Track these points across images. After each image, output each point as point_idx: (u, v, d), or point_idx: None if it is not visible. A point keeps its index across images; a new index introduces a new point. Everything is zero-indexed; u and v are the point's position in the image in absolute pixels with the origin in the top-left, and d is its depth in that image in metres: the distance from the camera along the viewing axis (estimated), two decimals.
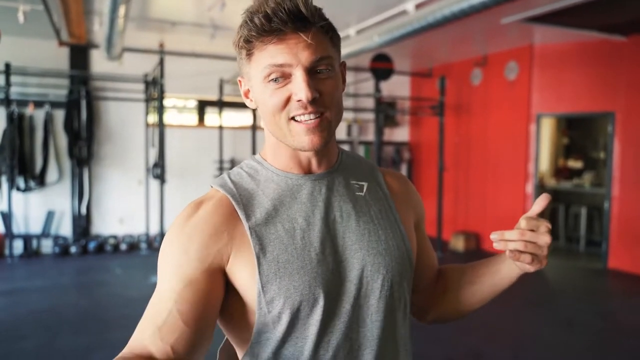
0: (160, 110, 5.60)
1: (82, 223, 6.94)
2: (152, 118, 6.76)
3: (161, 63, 5.61)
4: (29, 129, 6.66)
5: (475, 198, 7.54)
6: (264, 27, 0.73)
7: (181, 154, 7.34)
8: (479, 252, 7.23)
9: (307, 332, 0.78)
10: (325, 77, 0.77)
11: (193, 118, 7.91)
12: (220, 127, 7.23)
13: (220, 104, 7.12)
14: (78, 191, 6.90)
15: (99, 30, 5.89)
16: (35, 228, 6.73)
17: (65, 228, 6.92)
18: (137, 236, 7.15)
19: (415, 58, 8.00)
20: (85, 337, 3.91)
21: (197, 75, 7.27)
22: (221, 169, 7.37)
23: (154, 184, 6.80)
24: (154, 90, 6.26)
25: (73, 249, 6.65)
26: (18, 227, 6.62)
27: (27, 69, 6.19)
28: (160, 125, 5.61)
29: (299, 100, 0.75)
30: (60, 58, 6.72)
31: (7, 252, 6.35)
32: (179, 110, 7.97)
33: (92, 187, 7.02)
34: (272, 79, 0.76)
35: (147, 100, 6.85)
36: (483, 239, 7.38)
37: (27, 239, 6.59)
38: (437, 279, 1.04)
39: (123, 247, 6.92)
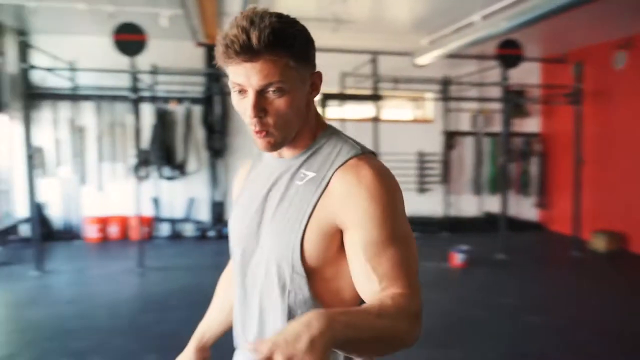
0: None
1: (218, 210, 7.56)
2: None
3: None
4: (172, 123, 7.39)
5: (620, 194, 6.85)
6: (224, 54, 0.88)
7: None
8: (624, 254, 6.59)
9: (235, 270, 1.07)
10: (273, 98, 0.90)
11: None
12: (342, 120, 7.40)
13: (342, 97, 7.28)
14: (214, 180, 7.52)
15: None
16: (179, 213, 7.49)
17: (203, 213, 7.60)
18: None
19: (546, 42, 7.46)
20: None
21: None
22: None
23: None
24: None
25: (210, 233, 7.29)
26: (165, 212, 7.41)
27: (170, 69, 6.86)
28: None
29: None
30: (197, 57, 7.34)
31: (156, 233, 7.18)
32: None
33: (227, 177, 7.61)
34: (236, 90, 0.93)
35: None
36: (630, 239, 6.70)
37: (172, 222, 7.37)
38: None
39: None
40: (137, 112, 5.84)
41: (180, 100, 7.31)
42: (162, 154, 7.08)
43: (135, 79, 5.65)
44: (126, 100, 6.98)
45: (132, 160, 6.87)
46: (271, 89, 0.88)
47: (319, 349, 0.69)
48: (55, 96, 6.90)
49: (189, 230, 7.51)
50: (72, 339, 3.67)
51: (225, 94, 7.41)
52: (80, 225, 7.19)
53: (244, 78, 0.88)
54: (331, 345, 0.72)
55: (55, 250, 6.38)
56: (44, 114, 6.98)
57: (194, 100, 7.38)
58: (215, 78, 7.29)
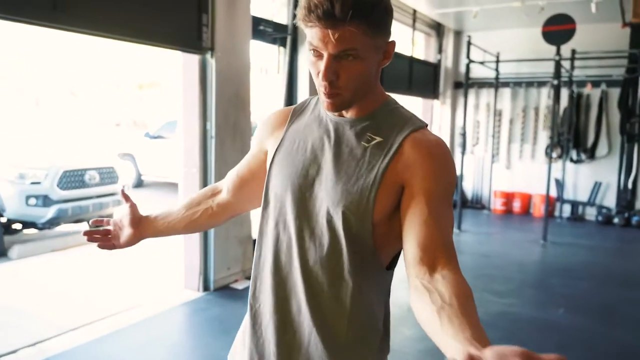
0: None
1: (627, 197, 7.24)
2: None
3: None
4: (585, 107, 7.45)
5: None
6: (305, 17, 0.90)
7: None
8: None
9: (280, 219, 1.06)
10: (347, 63, 0.92)
11: None
12: None
13: None
14: (626, 166, 7.22)
15: None
16: (582, 196, 7.56)
17: (609, 199, 7.43)
18: None
19: None
20: (631, 291, 4.38)
21: None
22: None
23: None
24: None
25: (616, 220, 7.10)
26: (568, 194, 7.62)
27: (589, 53, 6.92)
28: None
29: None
30: (620, 39, 7.10)
31: (557, 213, 7.50)
32: None
33: (639, 163, 7.19)
34: (312, 52, 0.95)
35: None
36: None
37: (574, 204, 7.52)
38: (432, 279, 0.88)
39: None
40: (557, 97, 6.25)
41: (595, 83, 7.29)
42: (571, 137, 7.29)
43: (558, 66, 6.05)
44: (540, 86, 7.52)
45: (545, 142, 7.39)
46: (346, 54, 0.91)
47: None
48: (479, 84, 8.03)
49: (591, 214, 7.49)
50: (492, 282, 4.53)
51: None
52: (489, 198, 8.21)
53: (321, 42, 0.91)
54: None
55: (467, 215, 7.54)
56: (468, 100, 8.21)
57: (610, 83, 7.22)
58: None
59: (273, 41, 4.81)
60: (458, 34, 8.28)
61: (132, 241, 1.27)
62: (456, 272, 0.88)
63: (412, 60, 7.33)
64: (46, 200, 5.10)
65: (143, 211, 1.29)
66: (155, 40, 3.30)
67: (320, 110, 1.09)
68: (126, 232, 1.26)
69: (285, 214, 1.04)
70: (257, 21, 4.43)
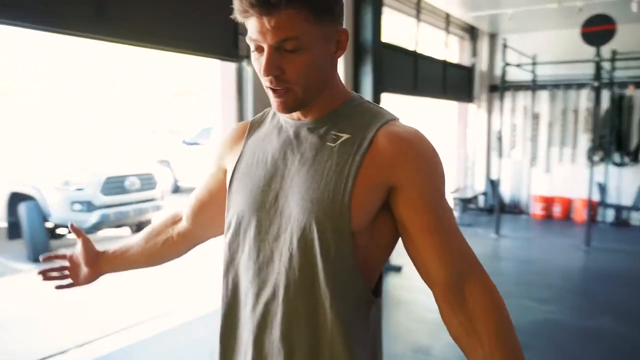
0: None
1: None
2: None
3: None
4: (627, 109, 7.21)
5: None
6: (239, 7, 0.81)
7: None
8: None
9: (245, 242, 0.93)
10: (291, 55, 0.81)
11: None
12: None
13: None
14: None
15: None
16: (626, 200, 7.30)
17: None
18: None
19: None
20: None
21: None
22: None
23: None
24: None
25: None
26: (611, 198, 7.38)
27: (631, 53, 6.70)
28: None
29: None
30: None
31: (599, 218, 7.27)
32: None
33: None
34: (253, 47, 0.84)
35: None
36: None
37: (618, 209, 7.28)
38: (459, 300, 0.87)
39: None
40: (598, 100, 6.08)
41: (638, 84, 7.05)
42: (613, 139, 7.07)
43: (598, 68, 5.90)
44: (580, 88, 7.33)
45: (586, 145, 7.19)
46: (288, 45, 0.80)
47: None
48: (515, 87, 7.88)
49: (636, 218, 7.23)
50: (533, 288, 4.43)
51: None
52: (527, 202, 8.03)
53: (259, 33, 0.80)
54: None
55: (505, 220, 7.38)
56: (505, 103, 8.07)
57: None
58: None
59: None
60: (492, 37, 8.16)
61: (89, 280, 1.19)
62: (482, 285, 0.88)
63: (445, 64, 7.26)
64: (90, 206, 5.28)
65: (99, 247, 1.21)
66: (194, 49, 3.38)
67: (279, 118, 0.97)
68: (83, 270, 1.19)
69: (250, 237, 0.92)
70: None
